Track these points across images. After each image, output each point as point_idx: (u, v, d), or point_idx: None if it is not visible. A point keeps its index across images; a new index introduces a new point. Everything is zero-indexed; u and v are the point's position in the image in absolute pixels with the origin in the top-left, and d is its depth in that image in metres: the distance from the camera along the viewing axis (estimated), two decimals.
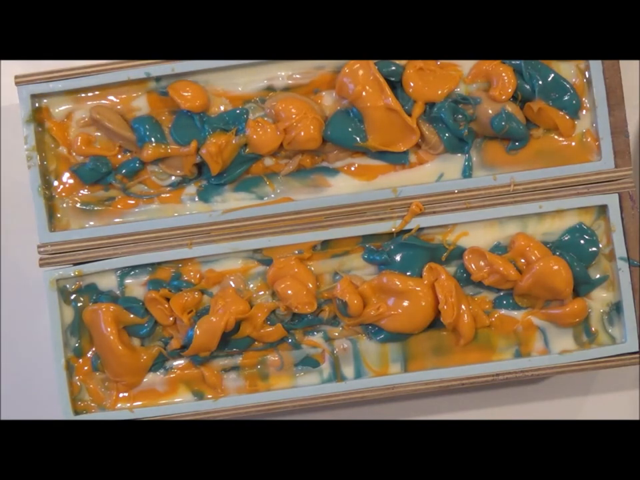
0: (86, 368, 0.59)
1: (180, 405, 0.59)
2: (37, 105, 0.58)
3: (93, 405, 0.59)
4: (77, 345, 0.59)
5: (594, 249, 0.58)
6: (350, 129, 0.57)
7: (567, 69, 0.57)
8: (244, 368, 0.59)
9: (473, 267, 0.57)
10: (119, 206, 0.59)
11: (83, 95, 0.59)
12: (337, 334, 0.59)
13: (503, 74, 0.57)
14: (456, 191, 0.58)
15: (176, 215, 0.59)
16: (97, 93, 0.59)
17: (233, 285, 0.58)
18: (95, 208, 0.59)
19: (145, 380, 0.59)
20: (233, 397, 0.59)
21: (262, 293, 0.59)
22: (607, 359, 0.57)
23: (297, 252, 0.58)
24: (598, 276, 0.58)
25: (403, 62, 0.57)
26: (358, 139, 0.57)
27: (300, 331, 0.59)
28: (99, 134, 0.59)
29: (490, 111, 0.57)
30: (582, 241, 0.58)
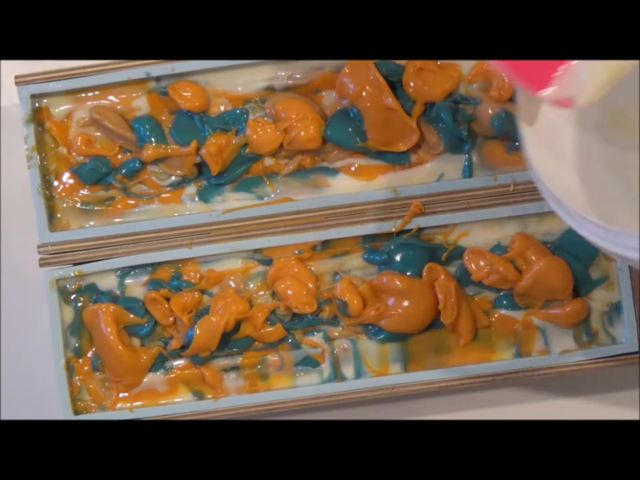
0: (86, 368, 0.59)
1: (180, 405, 0.59)
2: (37, 105, 0.58)
3: (92, 405, 0.59)
4: (77, 345, 0.59)
5: (594, 249, 0.57)
6: (350, 129, 0.57)
7: None
8: (244, 368, 0.59)
9: (473, 267, 0.57)
10: (119, 206, 0.59)
11: (83, 95, 0.59)
12: (336, 334, 0.59)
13: (503, 74, 0.57)
14: (456, 191, 0.58)
15: (176, 215, 0.59)
16: (97, 92, 0.59)
17: (233, 285, 0.58)
18: (95, 208, 0.59)
19: (145, 380, 0.59)
20: (232, 397, 0.59)
21: (262, 292, 0.59)
22: (607, 359, 0.57)
23: (297, 252, 0.58)
24: (598, 276, 0.58)
25: (402, 62, 0.57)
26: (358, 139, 0.57)
27: (300, 331, 0.59)
28: (98, 134, 0.59)
29: (490, 111, 0.57)
30: (582, 241, 0.58)
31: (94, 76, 0.58)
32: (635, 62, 0.45)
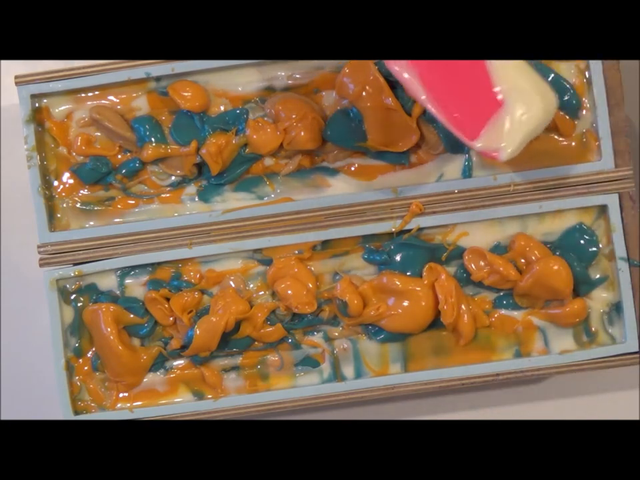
0: (86, 368, 0.59)
1: (180, 405, 0.59)
2: (37, 105, 0.58)
3: (92, 405, 0.59)
4: (77, 345, 0.59)
5: (594, 248, 0.58)
6: (350, 129, 0.57)
7: (567, 69, 0.57)
8: (244, 368, 0.59)
9: (473, 267, 0.57)
10: (119, 206, 0.59)
11: (83, 94, 0.59)
12: (336, 334, 0.59)
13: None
14: (456, 191, 0.58)
15: (176, 215, 0.59)
16: (97, 92, 0.59)
17: (233, 285, 0.58)
18: (95, 208, 0.59)
19: (145, 380, 0.59)
20: (232, 397, 0.59)
21: (262, 293, 0.59)
22: (607, 358, 0.57)
23: (297, 252, 0.58)
24: (598, 276, 0.58)
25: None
26: (358, 139, 0.57)
27: (300, 331, 0.59)
28: (98, 134, 0.59)
29: None
30: (582, 241, 0.58)
31: (94, 76, 0.58)
32: (545, 124, 0.53)
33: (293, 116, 0.57)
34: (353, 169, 0.59)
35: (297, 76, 0.58)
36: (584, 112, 0.58)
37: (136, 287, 0.59)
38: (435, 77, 0.52)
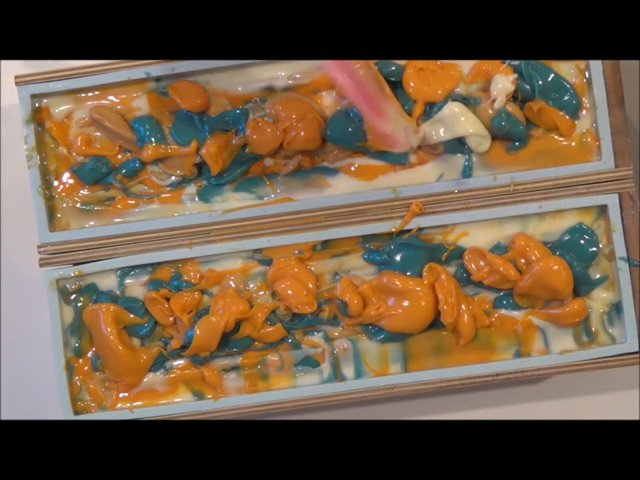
0: (86, 368, 0.59)
1: (180, 405, 0.59)
2: (37, 105, 0.58)
3: (93, 405, 0.59)
4: (77, 345, 0.59)
5: (594, 248, 0.58)
6: (350, 129, 0.57)
7: (567, 69, 0.57)
8: (244, 368, 0.59)
9: (473, 267, 0.57)
10: (119, 206, 0.59)
11: (83, 95, 0.59)
12: (336, 334, 0.59)
13: (503, 74, 0.57)
14: (456, 191, 0.58)
15: (176, 215, 0.59)
16: (97, 92, 0.59)
17: (233, 285, 0.59)
18: (95, 208, 0.59)
19: (145, 380, 0.59)
20: (233, 397, 0.59)
21: (262, 293, 0.59)
22: (607, 358, 0.57)
23: (297, 252, 0.58)
24: (598, 276, 0.58)
25: (402, 62, 0.57)
26: (358, 139, 0.57)
27: (300, 331, 0.59)
28: (98, 134, 0.59)
29: (490, 111, 0.57)
30: (582, 241, 0.58)
31: (94, 76, 0.58)
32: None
33: (293, 116, 0.57)
34: (352, 168, 0.59)
35: (297, 76, 0.58)
36: (584, 112, 0.58)
37: (136, 286, 0.59)
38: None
